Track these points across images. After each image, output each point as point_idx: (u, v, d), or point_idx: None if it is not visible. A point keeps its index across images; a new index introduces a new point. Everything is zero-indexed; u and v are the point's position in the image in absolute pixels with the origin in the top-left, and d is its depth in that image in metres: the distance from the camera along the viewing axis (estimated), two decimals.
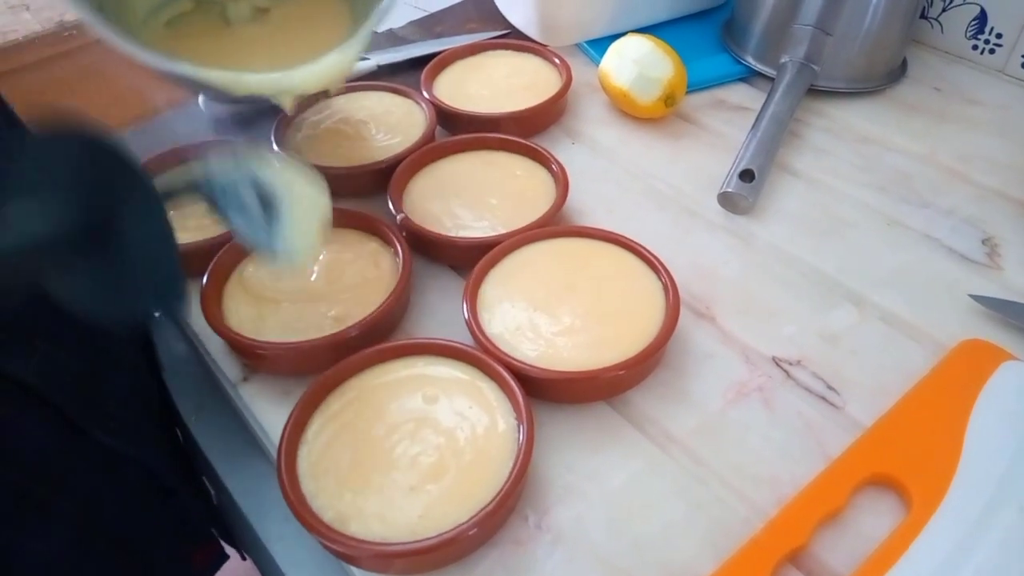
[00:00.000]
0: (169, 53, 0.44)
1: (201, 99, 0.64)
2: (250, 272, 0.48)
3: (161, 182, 0.34)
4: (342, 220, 0.51)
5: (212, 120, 0.65)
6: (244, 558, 0.63)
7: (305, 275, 0.47)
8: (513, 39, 0.71)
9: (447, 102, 0.61)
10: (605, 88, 0.64)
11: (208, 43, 0.54)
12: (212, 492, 0.58)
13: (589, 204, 0.56)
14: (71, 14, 1.25)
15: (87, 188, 0.31)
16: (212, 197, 0.36)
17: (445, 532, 0.34)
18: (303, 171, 0.40)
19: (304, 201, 0.38)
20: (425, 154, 0.56)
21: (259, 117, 0.64)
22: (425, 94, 0.62)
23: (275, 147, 0.57)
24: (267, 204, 0.37)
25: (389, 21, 0.62)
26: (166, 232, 0.32)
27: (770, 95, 0.61)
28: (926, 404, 0.41)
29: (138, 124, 0.68)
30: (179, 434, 0.56)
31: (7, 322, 0.40)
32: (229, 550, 0.64)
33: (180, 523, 0.59)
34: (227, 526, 0.61)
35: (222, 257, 0.48)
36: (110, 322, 0.33)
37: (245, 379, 0.45)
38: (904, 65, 0.68)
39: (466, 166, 0.56)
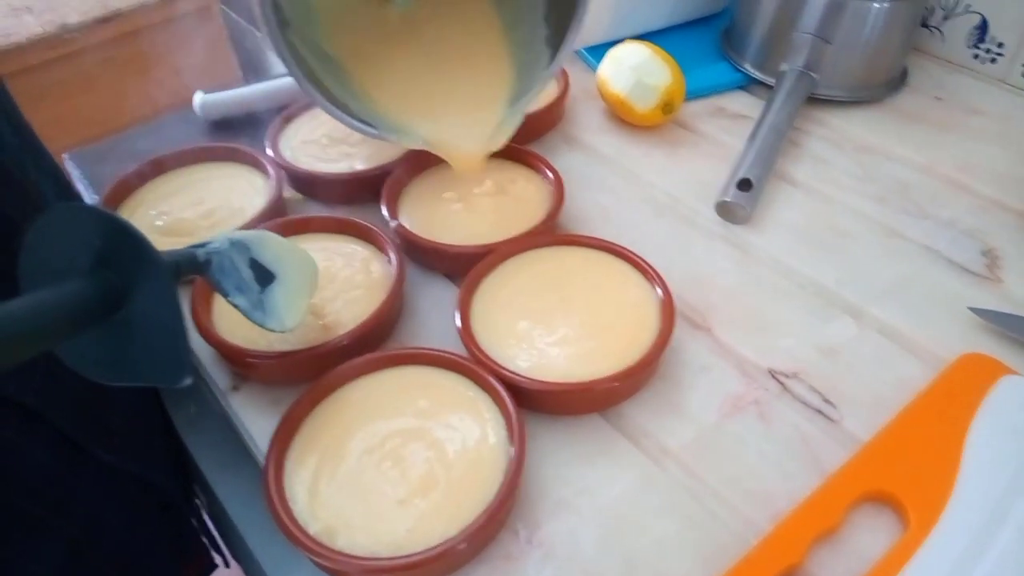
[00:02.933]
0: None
1: (197, 104, 0.64)
2: None
3: (167, 259, 0.35)
4: (335, 227, 0.51)
5: (208, 125, 0.65)
6: (228, 565, 0.62)
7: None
8: None
9: None
10: (603, 95, 0.63)
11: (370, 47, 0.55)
12: (203, 500, 0.57)
13: (585, 212, 0.55)
14: (73, 17, 1.26)
15: (104, 263, 0.32)
16: (214, 277, 0.38)
17: (434, 547, 0.34)
18: (296, 249, 0.43)
19: (296, 278, 0.42)
20: (420, 160, 0.55)
21: (254, 123, 0.63)
22: None
23: (270, 152, 0.56)
24: (263, 280, 0.40)
25: None
26: (175, 310, 0.33)
27: (769, 103, 0.61)
28: (924, 419, 0.40)
29: (136, 127, 0.67)
30: (172, 443, 0.55)
31: None
32: (218, 559, 0.64)
33: (175, 537, 0.58)
34: (217, 534, 0.61)
35: None
36: (114, 386, 0.34)
37: (235, 388, 0.45)
38: (904, 74, 0.68)
39: (461, 173, 0.55)
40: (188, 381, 0.33)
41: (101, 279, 0.32)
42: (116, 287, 0.32)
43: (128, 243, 0.32)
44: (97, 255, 0.33)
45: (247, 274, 0.39)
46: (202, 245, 0.39)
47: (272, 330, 0.40)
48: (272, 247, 0.41)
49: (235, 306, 0.39)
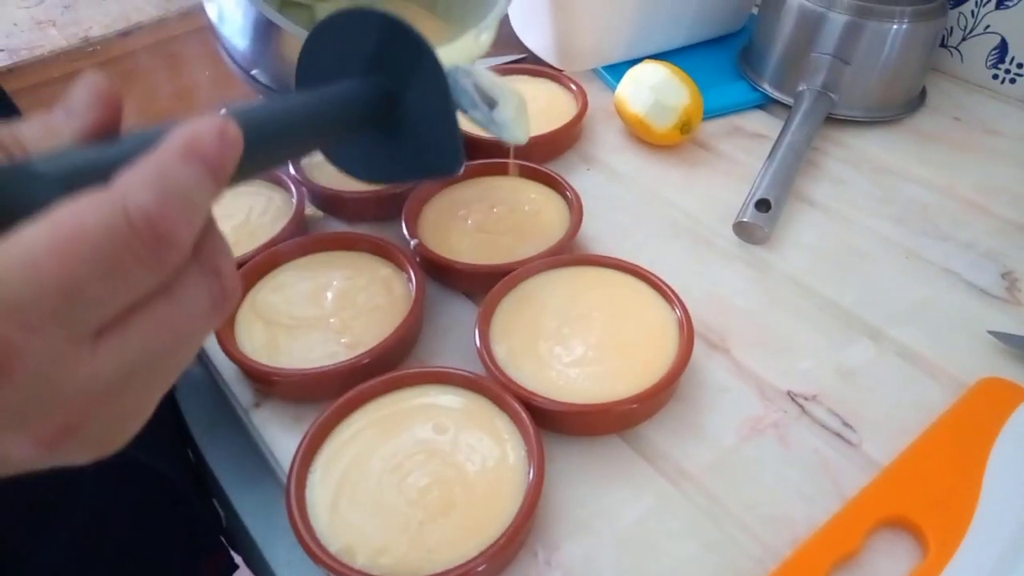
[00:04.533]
0: None
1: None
2: (263, 298, 0.48)
3: None
4: (356, 245, 0.51)
5: None
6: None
7: (318, 300, 0.47)
8: (529, 64, 0.71)
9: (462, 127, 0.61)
10: (621, 114, 0.64)
11: None
12: (222, 515, 0.58)
13: (603, 231, 0.55)
14: (96, 30, 1.28)
15: (376, 67, 0.35)
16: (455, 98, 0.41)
17: (453, 568, 0.34)
18: (505, 81, 0.45)
19: (513, 98, 0.44)
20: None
21: None
22: None
23: (291, 169, 0.57)
24: (488, 101, 0.43)
25: None
26: (448, 101, 0.36)
27: (787, 123, 0.61)
28: (944, 443, 0.40)
29: None
30: (191, 454, 0.56)
31: None
32: (238, 559, 0.64)
33: (190, 532, 0.59)
34: (235, 545, 0.61)
35: None
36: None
37: (257, 405, 0.45)
38: (923, 94, 0.68)
39: (480, 192, 0.56)
40: (461, 169, 0.36)
41: (376, 82, 0.34)
42: (390, 89, 0.35)
43: (404, 41, 0.34)
44: (369, 60, 0.35)
45: (476, 95, 0.42)
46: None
47: (512, 142, 0.43)
48: (486, 75, 0.43)
49: (475, 120, 0.42)
